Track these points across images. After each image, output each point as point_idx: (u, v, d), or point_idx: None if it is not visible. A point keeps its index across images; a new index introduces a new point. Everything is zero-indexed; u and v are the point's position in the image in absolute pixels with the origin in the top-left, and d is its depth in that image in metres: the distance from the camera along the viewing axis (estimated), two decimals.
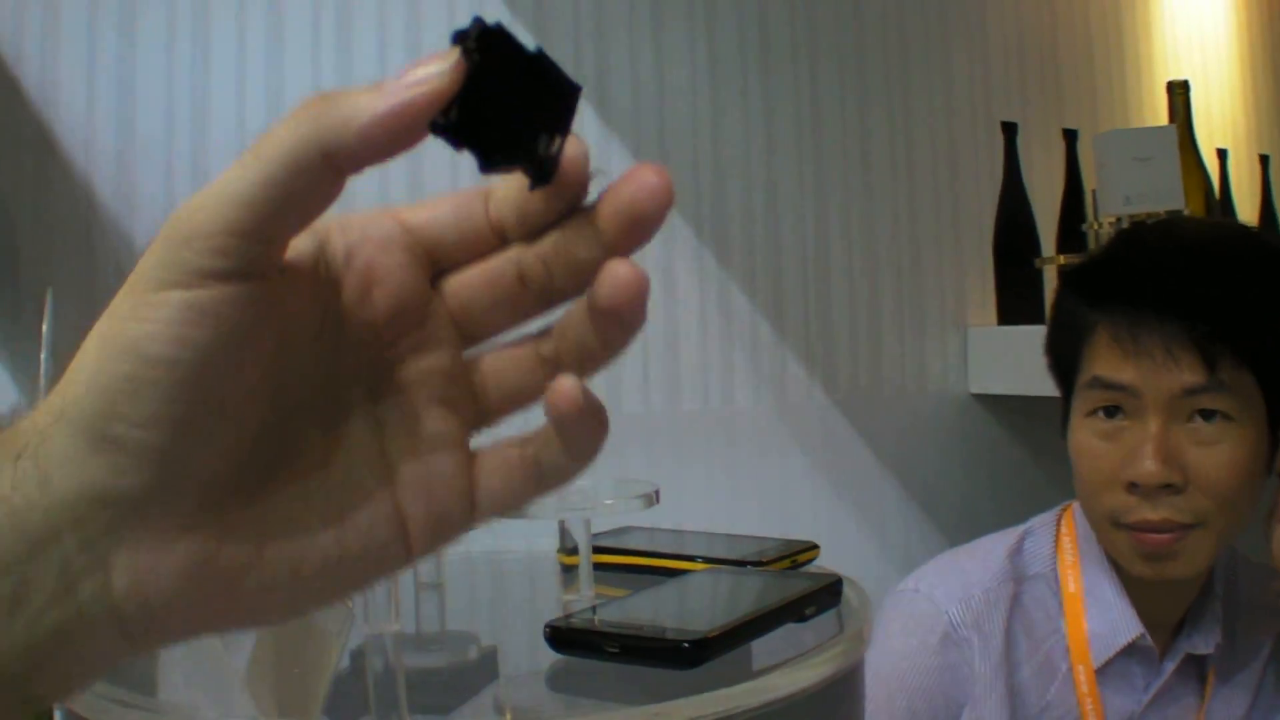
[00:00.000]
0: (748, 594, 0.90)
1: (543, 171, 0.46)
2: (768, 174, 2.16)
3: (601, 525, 1.08)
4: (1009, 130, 2.41)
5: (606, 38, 1.96)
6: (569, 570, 1.01)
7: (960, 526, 1.74)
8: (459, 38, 0.44)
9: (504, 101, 0.45)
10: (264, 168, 0.42)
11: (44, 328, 1.24)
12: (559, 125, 0.46)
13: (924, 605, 1.59)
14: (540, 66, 0.46)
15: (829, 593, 0.92)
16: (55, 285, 1.31)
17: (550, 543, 1.07)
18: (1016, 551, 1.62)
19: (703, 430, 2.06)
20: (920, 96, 2.40)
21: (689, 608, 0.87)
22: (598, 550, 1.04)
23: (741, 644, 0.81)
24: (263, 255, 0.43)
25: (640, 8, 2.01)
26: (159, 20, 1.64)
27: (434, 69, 0.43)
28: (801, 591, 0.90)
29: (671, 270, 2.02)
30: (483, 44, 0.44)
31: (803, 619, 0.88)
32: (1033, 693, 1.55)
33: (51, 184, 1.55)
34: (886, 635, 1.59)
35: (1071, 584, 1.58)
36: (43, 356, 1.21)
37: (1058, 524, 1.65)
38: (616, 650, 0.79)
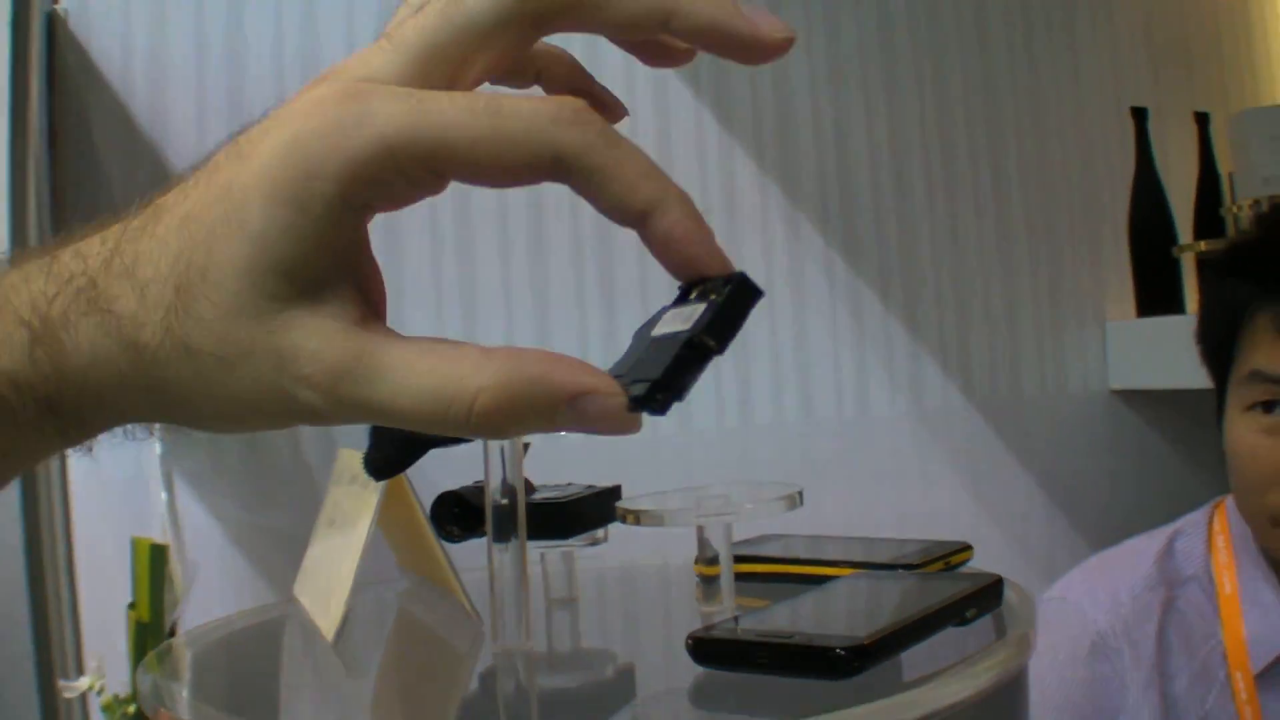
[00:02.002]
0: (902, 597, 0.85)
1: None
2: (895, 172, 2.14)
3: (739, 533, 1.03)
4: (1139, 115, 2.36)
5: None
6: (708, 581, 0.96)
7: (1106, 528, 1.70)
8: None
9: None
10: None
11: None
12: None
13: (1072, 614, 1.54)
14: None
15: (990, 593, 0.87)
16: None
17: (687, 554, 1.01)
18: (1167, 554, 1.57)
19: (837, 438, 2.04)
20: (1048, 85, 2.37)
21: (840, 614, 0.82)
22: (735, 560, 0.99)
23: (902, 650, 0.76)
24: None
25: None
26: (268, 46, 1.62)
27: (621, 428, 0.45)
28: (961, 592, 0.84)
29: (801, 275, 2.00)
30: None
31: (964, 622, 0.83)
32: (1190, 702, 1.50)
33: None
34: (1036, 647, 1.53)
35: (1227, 585, 1.53)
36: None
37: (1210, 522, 1.59)
38: (765, 661, 0.74)
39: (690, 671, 0.77)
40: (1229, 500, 1.56)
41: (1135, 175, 2.35)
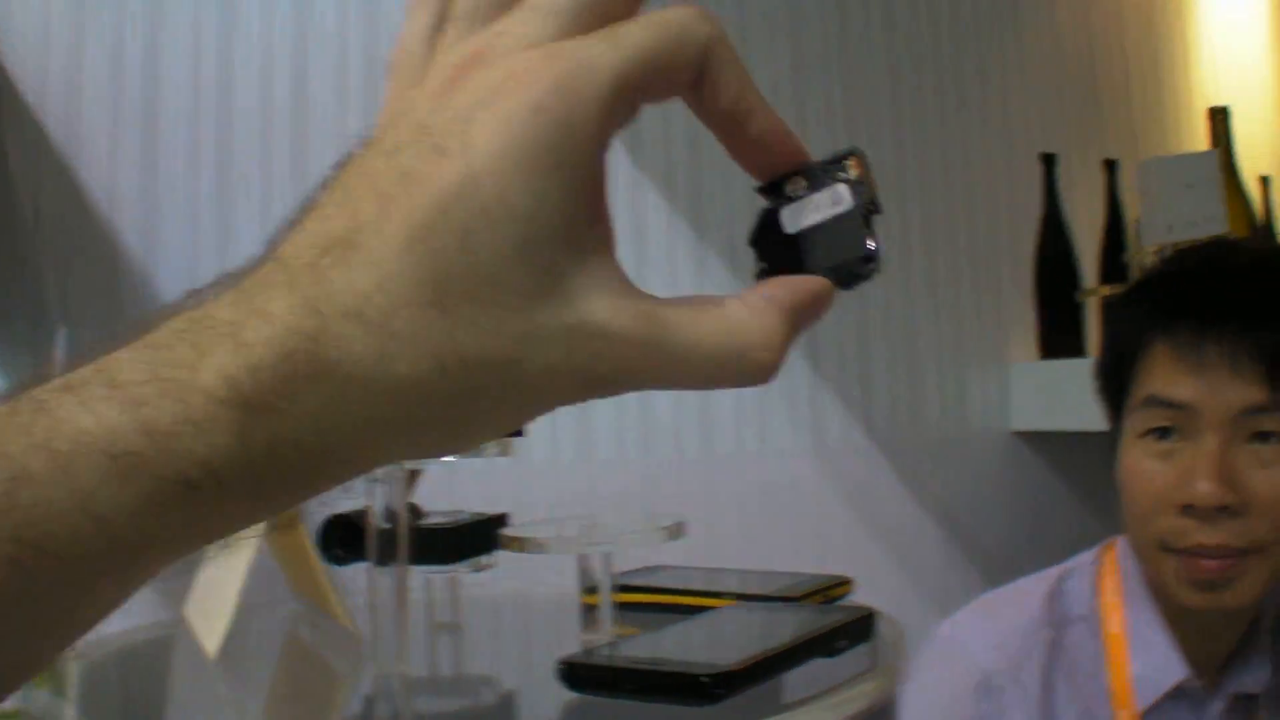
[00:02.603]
0: (775, 628, 0.87)
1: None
2: None
3: (628, 563, 1.04)
4: (1048, 161, 2.40)
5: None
6: (592, 610, 0.97)
7: (1003, 568, 1.72)
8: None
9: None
10: None
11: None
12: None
13: (958, 652, 1.54)
14: None
15: (861, 626, 0.89)
16: (74, 327, 1.30)
17: (574, 582, 1.03)
18: (1056, 594, 1.58)
19: (737, 474, 2.03)
20: (959, 129, 2.39)
21: (713, 642, 0.84)
22: (624, 589, 1.01)
23: (767, 679, 0.77)
24: None
25: None
26: (185, 61, 1.62)
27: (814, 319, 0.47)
28: (831, 625, 0.86)
29: None
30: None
31: (833, 653, 0.85)
32: None
33: (76, 225, 1.54)
34: (920, 683, 1.55)
35: (1114, 625, 1.54)
36: None
37: (1099, 563, 1.60)
38: (633, 687, 0.75)
39: (569, 696, 0.78)
40: (1120, 541, 1.58)
41: (1042, 219, 2.38)
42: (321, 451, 0.41)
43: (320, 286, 0.40)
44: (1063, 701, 1.50)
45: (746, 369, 0.44)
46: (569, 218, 0.42)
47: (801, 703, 0.75)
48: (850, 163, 0.49)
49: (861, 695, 0.78)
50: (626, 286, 0.43)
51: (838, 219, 0.48)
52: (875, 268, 0.48)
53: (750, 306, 0.45)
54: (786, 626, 0.86)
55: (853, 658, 0.86)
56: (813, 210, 0.49)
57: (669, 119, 1.98)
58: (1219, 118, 2.45)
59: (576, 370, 0.42)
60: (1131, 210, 2.36)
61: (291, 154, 1.65)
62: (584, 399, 0.43)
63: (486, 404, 0.42)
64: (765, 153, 0.49)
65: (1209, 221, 2.09)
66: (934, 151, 2.35)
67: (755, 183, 0.50)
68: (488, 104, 0.42)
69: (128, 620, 1.32)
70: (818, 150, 0.50)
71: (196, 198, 1.59)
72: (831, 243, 0.48)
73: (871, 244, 0.47)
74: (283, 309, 0.40)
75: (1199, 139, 2.68)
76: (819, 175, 0.49)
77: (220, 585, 1.00)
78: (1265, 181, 2.81)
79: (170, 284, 1.55)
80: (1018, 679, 1.50)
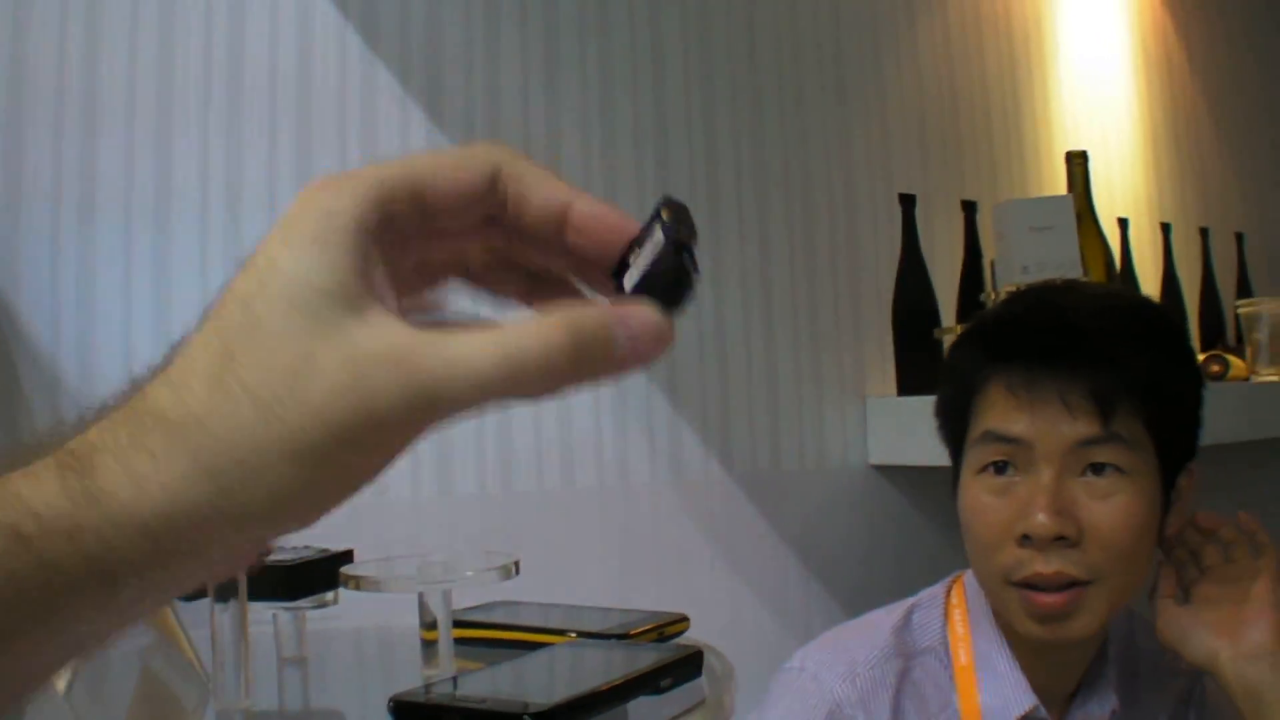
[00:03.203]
0: (605, 665, 0.89)
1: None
2: None
3: (476, 597, 1.06)
4: (907, 201, 2.42)
5: (497, 92, 1.97)
6: (430, 645, 0.99)
7: (863, 599, 1.74)
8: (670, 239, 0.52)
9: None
10: (524, 373, 0.48)
11: None
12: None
13: (809, 683, 1.56)
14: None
15: (689, 664, 0.91)
16: None
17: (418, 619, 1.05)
18: (904, 626, 1.61)
19: (597, 507, 2.03)
20: (819, 168, 2.40)
21: (542, 680, 0.86)
22: (463, 625, 1.03)
23: (591, 716, 0.80)
24: None
25: (532, 61, 2.01)
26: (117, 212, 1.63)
27: (660, 347, 0.51)
28: (660, 662, 0.88)
29: None
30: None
31: (658, 691, 0.87)
32: None
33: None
34: (773, 714, 1.57)
35: (963, 656, 1.57)
36: None
37: (947, 595, 1.63)
38: None
39: None
40: (967, 574, 1.62)
41: (901, 259, 2.40)
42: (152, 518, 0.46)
43: (145, 386, 0.49)
44: None
45: (517, 377, 0.48)
46: (335, 278, 0.48)
47: None
48: (663, 211, 0.52)
49: None
50: (401, 326, 0.48)
51: (657, 258, 0.52)
52: (689, 284, 0.52)
53: (527, 323, 0.49)
54: (615, 664, 0.88)
55: (680, 694, 0.89)
56: (640, 262, 0.53)
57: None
58: (1077, 161, 2.51)
59: (358, 388, 0.46)
60: (989, 251, 2.41)
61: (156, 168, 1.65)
62: (388, 418, 0.47)
63: (283, 432, 0.46)
64: (596, 237, 0.53)
65: (1064, 264, 2.13)
66: (795, 190, 2.36)
67: (611, 273, 0.54)
68: (279, 224, 0.49)
69: None
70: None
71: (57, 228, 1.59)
72: (655, 277, 0.52)
73: (687, 265, 0.52)
74: (107, 418, 0.48)
75: (1058, 182, 2.74)
76: (642, 234, 0.53)
77: None
78: (1123, 224, 2.88)
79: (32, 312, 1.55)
80: (868, 709, 1.52)
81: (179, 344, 0.49)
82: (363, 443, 0.47)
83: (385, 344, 0.47)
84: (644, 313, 0.50)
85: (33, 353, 1.53)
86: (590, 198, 0.54)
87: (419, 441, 0.49)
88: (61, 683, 0.96)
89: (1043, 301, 1.53)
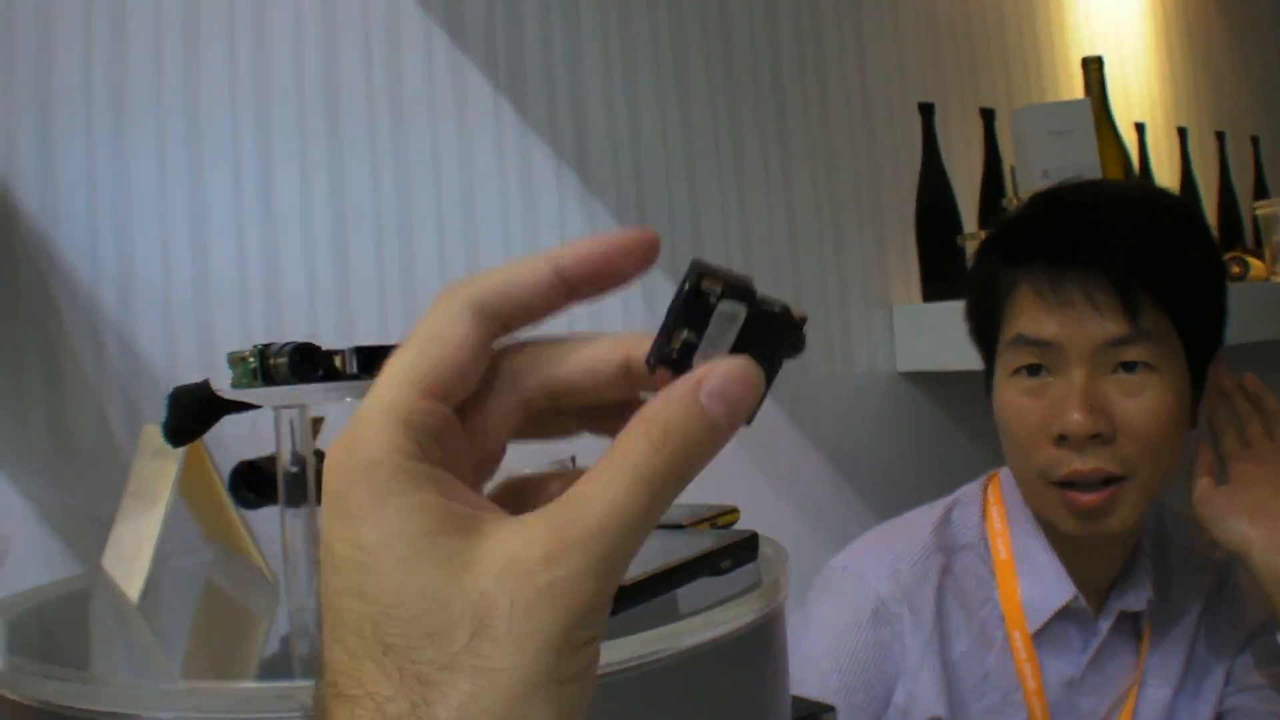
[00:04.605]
0: (663, 551, 0.91)
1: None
2: (686, 162, 2.16)
3: None
4: (926, 111, 2.44)
5: (520, 33, 1.96)
6: None
7: (892, 502, 1.76)
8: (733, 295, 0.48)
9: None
10: (639, 498, 0.45)
11: None
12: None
13: (853, 582, 1.60)
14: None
15: (745, 547, 0.93)
16: None
17: None
18: (944, 523, 1.64)
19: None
20: (835, 80, 2.41)
21: None
22: None
23: (656, 595, 0.82)
24: None
25: (553, 6, 2.01)
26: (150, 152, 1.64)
27: (754, 396, 0.47)
28: (716, 546, 0.90)
29: None
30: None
31: (718, 572, 0.89)
32: (971, 663, 1.57)
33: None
34: (819, 614, 1.60)
35: (1002, 551, 1.60)
36: None
37: (984, 493, 1.67)
38: None
39: None
40: (1003, 472, 1.64)
41: (922, 167, 2.42)
42: None
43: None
44: (957, 625, 1.56)
45: (653, 494, 0.46)
46: (427, 517, 0.45)
47: (693, 614, 0.80)
48: (704, 282, 0.48)
49: (748, 606, 0.83)
50: (528, 523, 0.46)
51: (746, 328, 0.48)
52: (803, 337, 0.49)
53: (614, 451, 0.47)
54: (675, 549, 0.91)
55: (738, 576, 0.91)
56: (720, 341, 0.48)
57: (552, 74, 2.01)
58: (1093, 67, 2.50)
59: (538, 613, 0.44)
60: (1009, 157, 2.41)
61: (185, 118, 1.67)
62: (588, 611, 0.45)
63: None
64: (623, 352, 0.50)
65: (1083, 168, 2.13)
66: (814, 104, 2.37)
67: (649, 362, 0.49)
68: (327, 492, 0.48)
69: (42, 577, 1.36)
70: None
71: (92, 163, 1.60)
72: (765, 344, 0.48)
73: (795, 316, 0.48)
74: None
75: (1074, 89, 2.73)
76: (692, 313, 0.48)
77: (137, 536, 1.03)
78: (1140, 128, 2.89)
79: (70, 247, 1.57)
80: (912, 605, 1.56)
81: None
82: (571, 645, 0.45)
83: (539, 552, 0.45)
84: (717, 367, 0.47)
85: (72, 288, 1.55)
86: (592, 334, 0.52)
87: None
88: (135, 592, 0.99)
89: (1063, 202, 1.54)
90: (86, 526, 1.40)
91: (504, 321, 0.50)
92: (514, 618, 0.43)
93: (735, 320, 0.48)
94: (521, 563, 0.44)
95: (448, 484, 0.47)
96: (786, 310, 0.49)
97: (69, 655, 0.92)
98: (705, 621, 0.81)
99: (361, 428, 0.47)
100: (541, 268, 0.50)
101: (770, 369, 0.48)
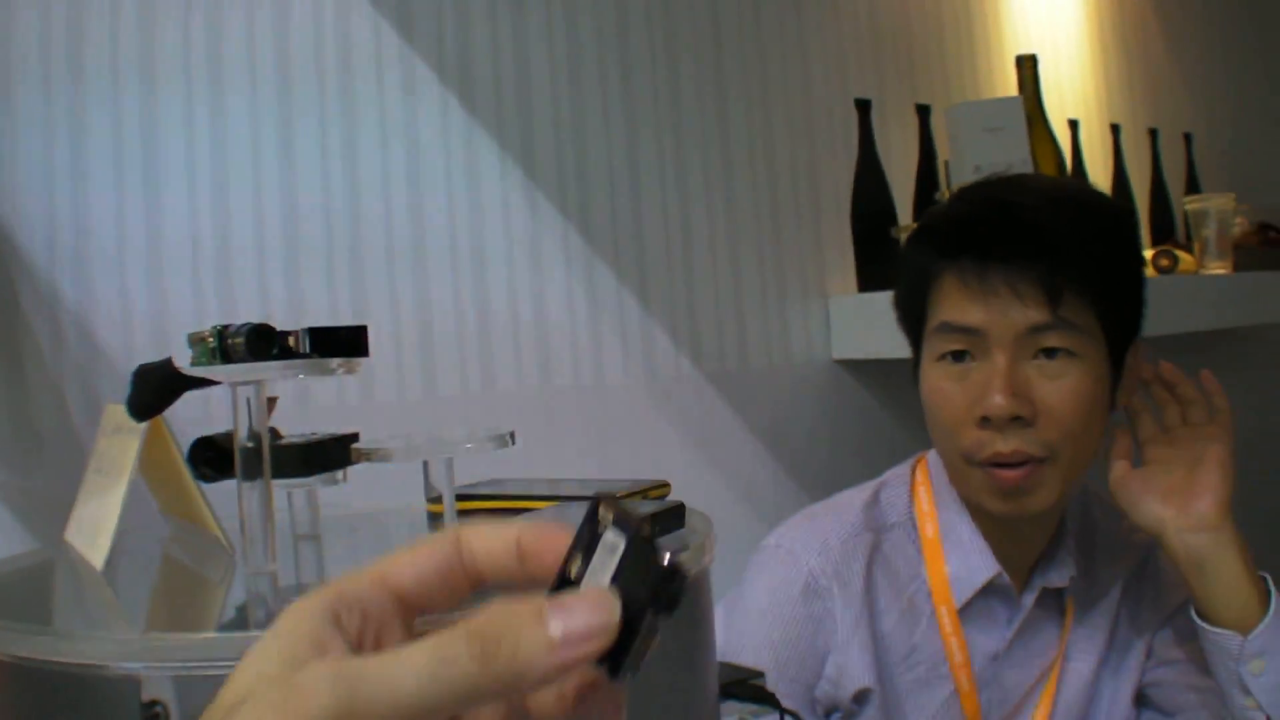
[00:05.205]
0: None
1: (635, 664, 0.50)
2: (629, 155, 2.20)
3: (465, 477, 1.13)
4: (863, 106, 2.48)
5: (469, 23, 2.00)
6: (436, 518, 1.07)
7: (829, 487, 1.80)
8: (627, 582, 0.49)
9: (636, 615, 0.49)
10: (437, 689, 0.47)
11: None
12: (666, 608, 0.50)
13: (785, 559, 1.65)
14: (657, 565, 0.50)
15: (672, 515, 0.99)
16: None
17: (422, 498, 1.12)
18: (873, 503, 1.69)
19: (575, 405, 2.09)
20: (776, 76, 2.45)
21: None
22: (463, 498, 1.10)
23: None
24: None
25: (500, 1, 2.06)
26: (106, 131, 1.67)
27: (601, 624, 0.48)
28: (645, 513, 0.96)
29: (539, 248, 2.05)
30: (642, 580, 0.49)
31: None
32: (899, 637, 1.62)
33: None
34: (752, 590, 1.65)
35: (930, 530, 1.64)
36: None
37: (912, 474, 1.72)
38: None
39: None
40: (930, 454, 1.69)
41: (858, 161, 2.47)
42: None
43: None
44: (886, 600, 1.61)
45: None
46: (284, 659, 0.48)
47: None
48: (600, 511, 0.50)
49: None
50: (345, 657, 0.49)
51: (622, 561, 0.49)
52: (680, 579, 0.49)
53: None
54: None
55: (665, 541, 0.96)
56: (601, 570, 0.50)
57: (500, 67, 2.06)
58: (1027, 65, 2.57)
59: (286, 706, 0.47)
60: (944, 152, 2.47)
61: (141, 100, 1.70)
62: None
63: None
64: (545, 560, 0.52)
65: (1015, 163, 2.18)
66: (755, 99, 2.41)
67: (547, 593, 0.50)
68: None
69: (4, 547, 1.39)
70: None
71: (50, 143, 1.63)
72: (633, 581, 0.49)
73: (665, 557, 0.49)
74: None
75: (1009, 86, 2.78)
76: (584, 542, 0.51)
77: (100, 509, 1.07)
78: (1074, 125, 2.95)
79: (27, 229, 1.60)
80: (842, 580, 1.59)
81: None
82: None
83: (316, 670, 0.48)
84: (582, 596, 0.49)
85: (30, 272, 1.58)
86: (534, 524, 0.53)
87: None
88: (99, 561, 1.04)
89: (989, 196, 1.59)
90: (47, 509, 1.43)
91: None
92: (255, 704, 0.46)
93: (615, 552, 0.49)
94: (295, 678, 0.47)
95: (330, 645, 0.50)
96: (657, 551, 0.49)
97: (34, 616, 0.96)
98: None
99: (298, 608, 0.51)
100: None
101: (638, 607, 0.48)
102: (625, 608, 0.48)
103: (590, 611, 0.48)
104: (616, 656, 0.49)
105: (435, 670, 0.47)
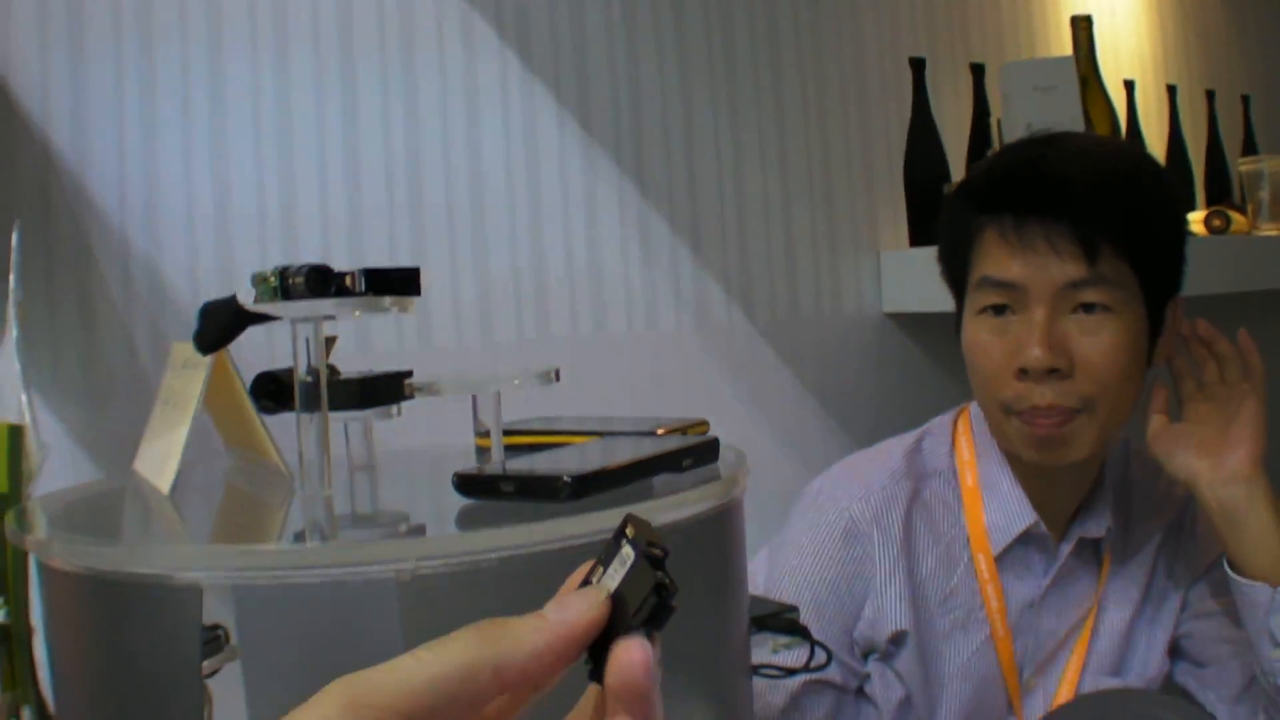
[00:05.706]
0: (632, 450, 1.02)
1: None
2: (684, 109, 2.23)
3: (514, 414, 1.18)
4: (917, 65, 2.50)
5: None
6: (485, 452, 1.12)
7: (876, 437, 1.82)
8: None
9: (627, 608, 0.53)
10: (441, 668, 0.49)
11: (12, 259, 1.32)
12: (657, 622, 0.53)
13: (826, 503, 1.69)
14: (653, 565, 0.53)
15: (706, 449, 1.04)
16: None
17: (471, 435, 1.17)
18: (915, 451, 1.72)
19: (627, 353, 2.13)
20: (829, 35, 2.48)
21: (580, 460, 0.98)
22: (511, 433, 1.15)
23: (620, 485, 0.93)
24: None
25: None
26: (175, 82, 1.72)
27: (584, 610, 0.52)
28: (679, 447, 1.01)
29: (595, 201, 2.09)
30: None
31: (679, 469, 1.00)
32: (936, 582, 1.65)
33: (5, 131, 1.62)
34: (795, 533, 1.69)
35: (969, 479, 1.68)
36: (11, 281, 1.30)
37: (954, 424, 1.75)
38: (511, 490, 0.91)
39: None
40: (972, 405, 1.72)
41: (911, 119, 2.49)
42: None
43: None
44: (924, 545, 1.64)
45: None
46: None
47: (650, 498, 0.91)
48: (627, 529, 0.54)
49: (702, 496, 0.93)
50: None
51: (629, 573, 0.53)
52: (669, 595, 0.52)
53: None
54: (642, 449, 1.02)
55: (699, 473, 1.02)
56: (610, 580, 0.53)
57: (556, 28, 2.10)
58: (1082, 25, 2.57)
59: None
60: (997, 111, 2.48)
61: (209, 60, 1.75)
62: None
63: None
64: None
65: (1067, 123, 2.18)
66: (809, 59, 2.44)
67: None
68: None
69: (75, 480, 1.45)
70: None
71: (121, 103, 1.68)
72: (632, 593, 0.52)
73: (660, 575, 0.52)
74: None
75: (1065, 46, 2.80)
76: (608, 554, 0.54)
77: (168, 440, 1.13)
78: (1130, 85, 2.94)
79: (100, 184, 1.66)
80: (882, 525, 1.63)
81: None
82: None
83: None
84: (576, 591, 0.53)
85: (102, 222, 1.64)
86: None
87: None
88: (166, 487, 1.10)
89: (1029, 154, 1.62)
90: (118, 446, 1.48)
91: None
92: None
93: (625, 563, 0.53)
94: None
95: None
96: (656, 567, 0.52)
97: (105, 533, 1.02)
98: (667, 504, 0.91)
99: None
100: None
101: (627, 613, 0.52)
102: (616, 612, 0.52)
103: (578, 600, 0.52)
104: (600, 658, 0.52)
105: (437, 650, 0.50)
